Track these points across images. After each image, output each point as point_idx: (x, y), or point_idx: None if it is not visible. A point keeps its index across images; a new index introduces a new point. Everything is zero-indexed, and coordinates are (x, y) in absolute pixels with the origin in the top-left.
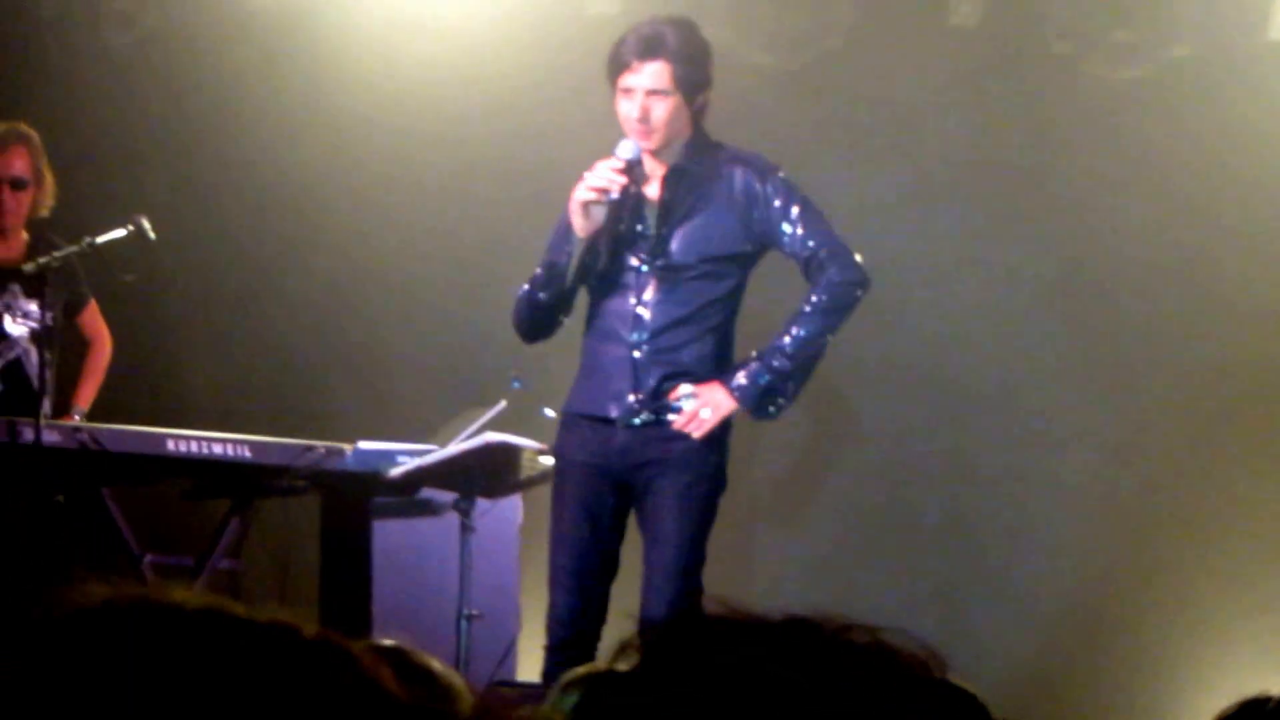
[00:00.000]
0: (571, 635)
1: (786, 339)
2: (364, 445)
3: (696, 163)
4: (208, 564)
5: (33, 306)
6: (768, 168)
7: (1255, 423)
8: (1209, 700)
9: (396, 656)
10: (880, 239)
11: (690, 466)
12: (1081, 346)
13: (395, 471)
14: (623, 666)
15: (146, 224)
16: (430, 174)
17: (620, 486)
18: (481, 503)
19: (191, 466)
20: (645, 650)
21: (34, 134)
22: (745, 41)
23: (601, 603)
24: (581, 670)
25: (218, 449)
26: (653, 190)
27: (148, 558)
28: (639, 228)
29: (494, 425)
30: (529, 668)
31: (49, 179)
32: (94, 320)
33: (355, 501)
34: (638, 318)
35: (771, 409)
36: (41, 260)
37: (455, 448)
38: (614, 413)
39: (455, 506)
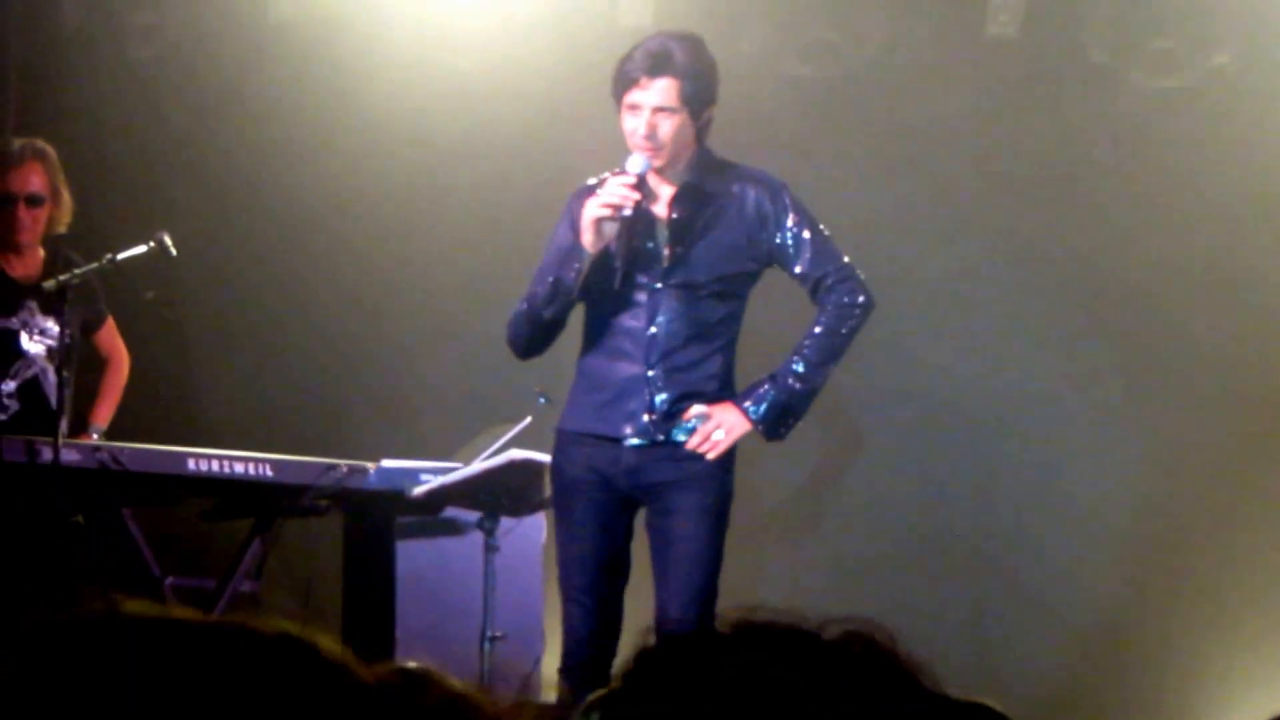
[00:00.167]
0: (591, 654)
1: (799, 360)
2: (387, 464)
3: (707, 181)
4: (229, 586)
5: (50, 324)
6: (778, 185)
7: None
8: (1238, 715)
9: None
10: (914, 249)
11: (710, 487)
12: (1114, 360)
13: (419, 490)
14: (636, 681)
15: (168, 240)
16: (457, 188)
17: (627, 502)
18: (505, 521)
19: (212, 486)
20: (658, 663)
21: (50, 149)
22: (781, 52)
23: (619, 618)
24: (603, 690)
25: (239, 468)
26: (660, 208)
27: (168, 580)
28: (649, 245)
29: (518, 442)
30: (555, 690)
31: (66, 195)
32: (111, 338)
33: (378, 521)
34: (651, 337)
35: (782, 430)
36: (62, 277)
37: (479, 465)
38: (627, 433)
39: (479, 525)
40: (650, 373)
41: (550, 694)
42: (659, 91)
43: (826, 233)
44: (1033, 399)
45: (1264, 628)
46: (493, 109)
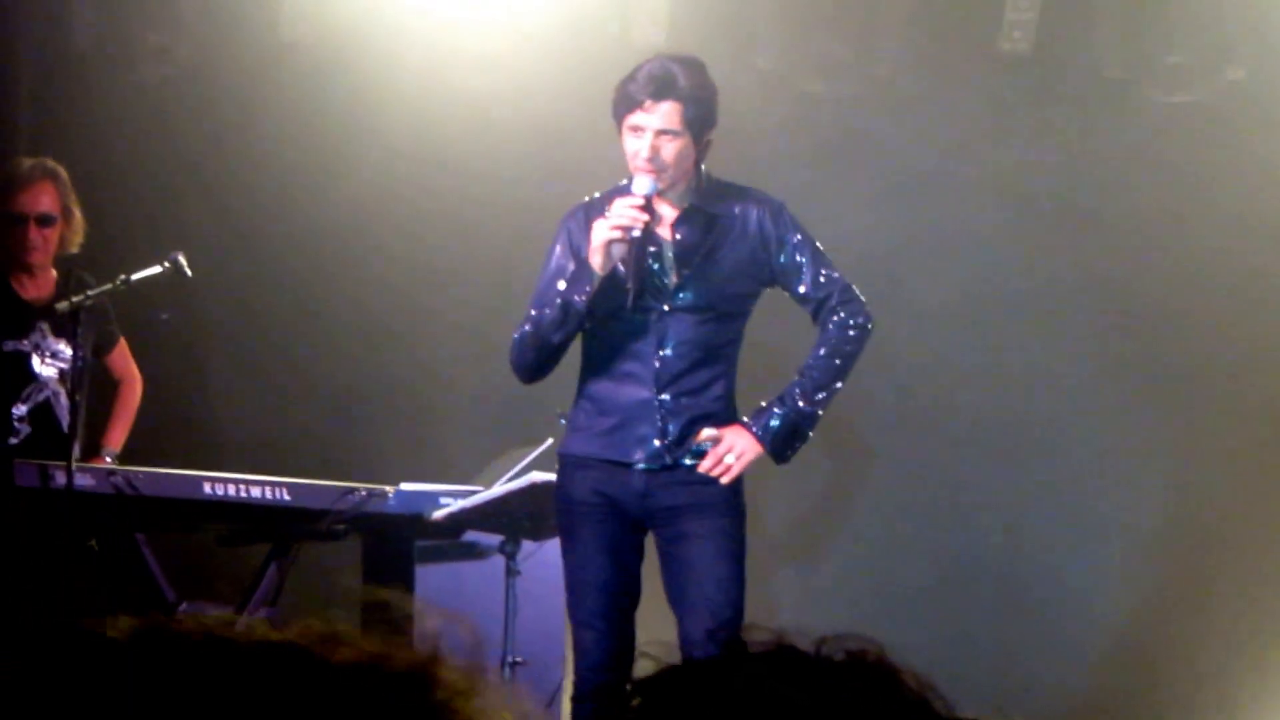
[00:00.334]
0: (605, 680)
1: (805, 382)
2: (406, 487)
3: (709, 203)
4: (245, 612)
5: (62, 346)
6: (778, 205)
7: None
8: None
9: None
10: (930, 265)
11: (724, 510)
12: (1131, 378)
13: (439, 514)
14: (663, 702)
15: (183, 261)
16: (472, 207)
17: (637, 525)
18: (527, 545)
19: (228, 510)
20: (690, 684)
21: (61, 169)
22: (796, 69)
23: (632, 642)
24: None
25: (255, 492)
26: (663, 231)
27: (183, 606)
28: (655, 268)
29: (539, 464)
30: None
31: (78, 215)
32: (123, 359)
33: (398, 545)
34: (661, 360)
35: (789, 452)
36: (75, 299)
37: (500, 488)
38: (638, 458)
39: (500, 549)
40: (661, 397)
41: None
42: (663, 115)
43: (824, 251)
44: (1057, 418)
45: None
46: (507, 128)
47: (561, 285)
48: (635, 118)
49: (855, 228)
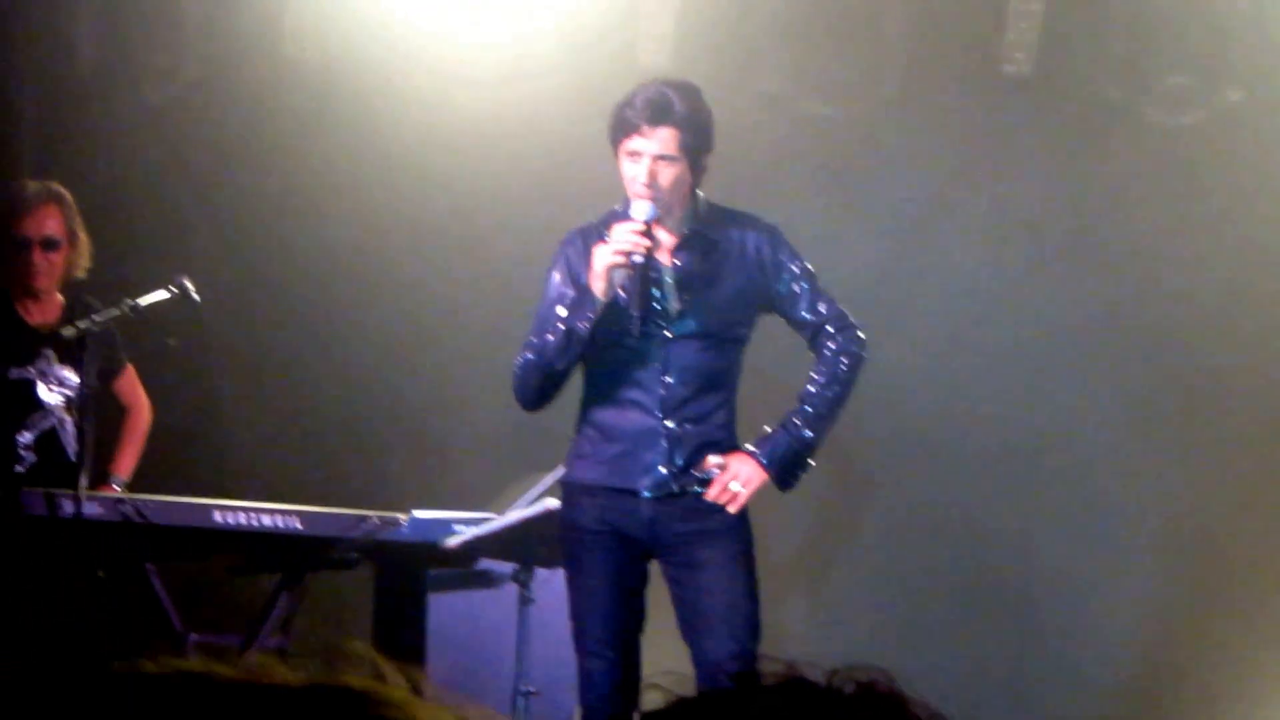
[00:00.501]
0: (614, 710)
1: (806, 409)
2: (419, 514)
3: (708, 228)
4: (255, 643)
5: (68, 373)
6: (774, 230)
7: None
8: None
9: None
10: (934, 286)
11: (736, 537)
12: (1139, 396)
13: (452, 541)
14: None
15: (190, 285)
16: (479, 228)
17: (643, 552)
18: (541, 572)
19: (239, 539)
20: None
21: (66, 193)
22: (799, 90)
23: (639, 670)
24: None
25: (267, 520)
26: (662, 256)
27: (192, 637)
28: (656, 294)
29: (554, 491)
30: None
31: (83, 239)
32: (131, 386)
33: (410, 574)
34: (666, 387)
35: (792, 480)
36: (81, 324)
37: (514, 515)
38: (645, 486)
39: (514, 577)
40: (667, 423)
41: None
42: (660, 140)
43: (819, 277)
44: (1064, 439)
45: None
46: (513, 147)
47: (562, 311)
48: (632, 143)
49: (857, 248)
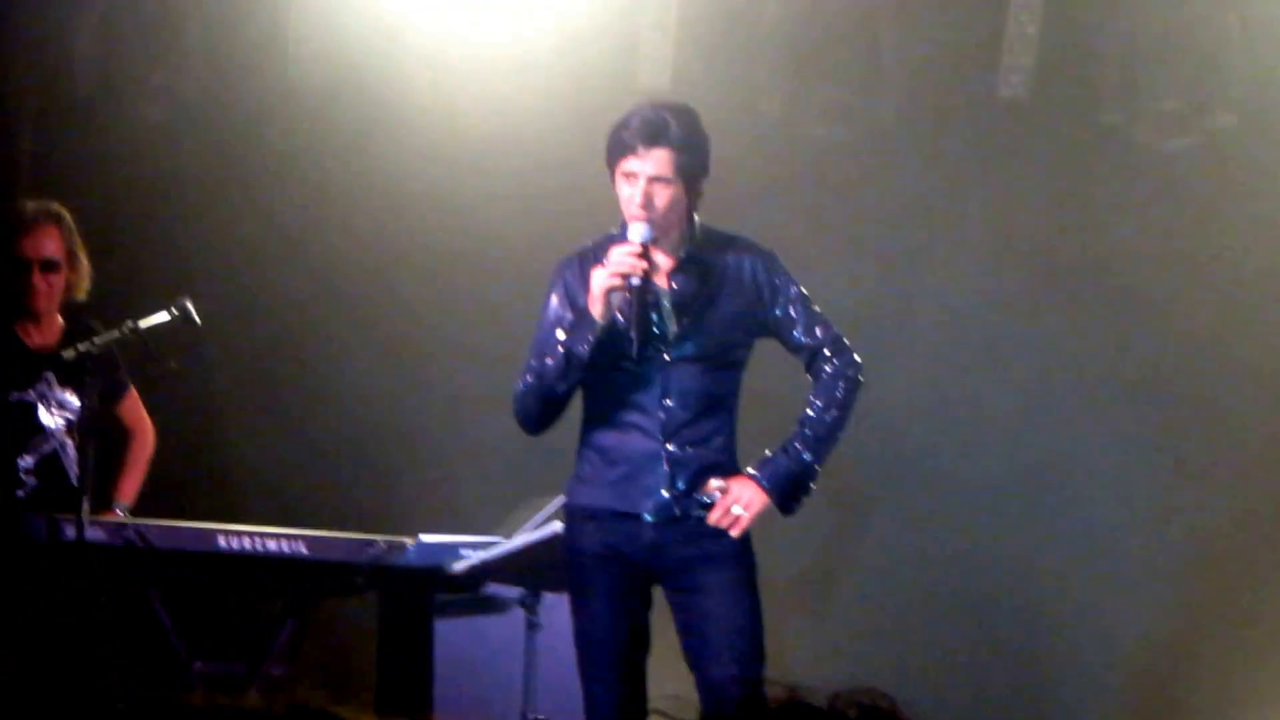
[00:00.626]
0: None
1: (806, 433)
2: (425, 539)
3: (704, 252)
4: (260, 670)
5: (69, 396)
6: (769, 254)
7: None
8: None
9: None
10: (931, 306)
11: (739, 561)
12: (1135, 422)
13: (458, 566)
14: None
15: (191, 306)
16: (482, 249)
17: (646, 576)
18: (548, 597)
19: (244, 564)
20: None
21: (66, 213)
22: (799, 114)
23: (645, 694)
24: None
25: (272, 545)
26: (659, 280)
27: (196, 664)
28: (654, 317)
29: (561, 515)
30: None
31: (84, 260)
32: (134, 409)
33: (416, 599)
34: (666, 410)
35: (794, 504)
36: (81, 347)
37: (521, 539)
38: (647, 509)
39: (521, 602)
40: (668, 447)
41: None
42: (655, 161)
43: (814, 301)
44: (1065, 459)
45: None
46: (515, 170)
47: (562, 335)
48: (628, 164)
49: (854, 271)
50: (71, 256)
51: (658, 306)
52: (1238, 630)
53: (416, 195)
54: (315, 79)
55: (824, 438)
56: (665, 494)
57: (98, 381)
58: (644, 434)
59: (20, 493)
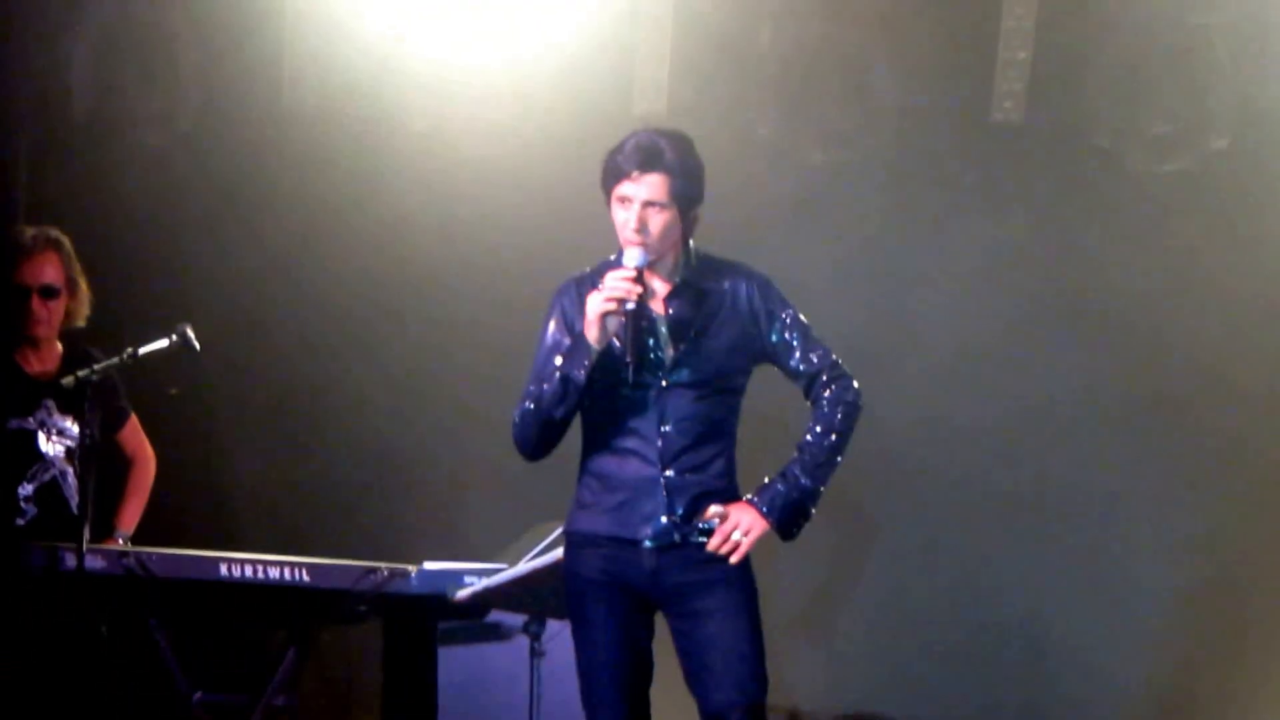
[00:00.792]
0: None
1: (805, 459)
2: (429, 566)
3: (699, 278)
4: (262, 700)
5: (69, 423)
6: (765, 280)
7: None
8: None
9: None
10: (926, 333)
11: (740, 587)
12: (1135, 440)
13: (462, 593)
14: None
15: (191, 333)
16: (481, 279)
17: (647, 603)
18: (553, 624)
19: (246, 592)
20: None
21: (65, 239)
22: (794, 140)
23: (648, 719)
24: None
25: (274, 573)
26: (655, 305)
27: (197, 695)
28: (650, 343)
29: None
30: None
31: (83, 286)
32: (135, 437)
33: (420, 627)
34: (664, 436)
35: (794, 530)
36: (80, 374)
37: (525, 566)
38: (646, 536)
39: (525, 629)
40: (666, 473)
41: None
42: (649, 186)
43: (811, 326)
44: (1067, 482)
45: None
46: (511, 195)
47: (559, 360)
48: (623, 188)
49: (850, 294)
50: (71, 283)
51: (653, 332)
52: (1243, 650)
53: (415, 221)
54: (311, 106)
55: (823, 463)
56: (664, 520)
57: (97, 409)
58: (642, 460)
59: (20, 521)
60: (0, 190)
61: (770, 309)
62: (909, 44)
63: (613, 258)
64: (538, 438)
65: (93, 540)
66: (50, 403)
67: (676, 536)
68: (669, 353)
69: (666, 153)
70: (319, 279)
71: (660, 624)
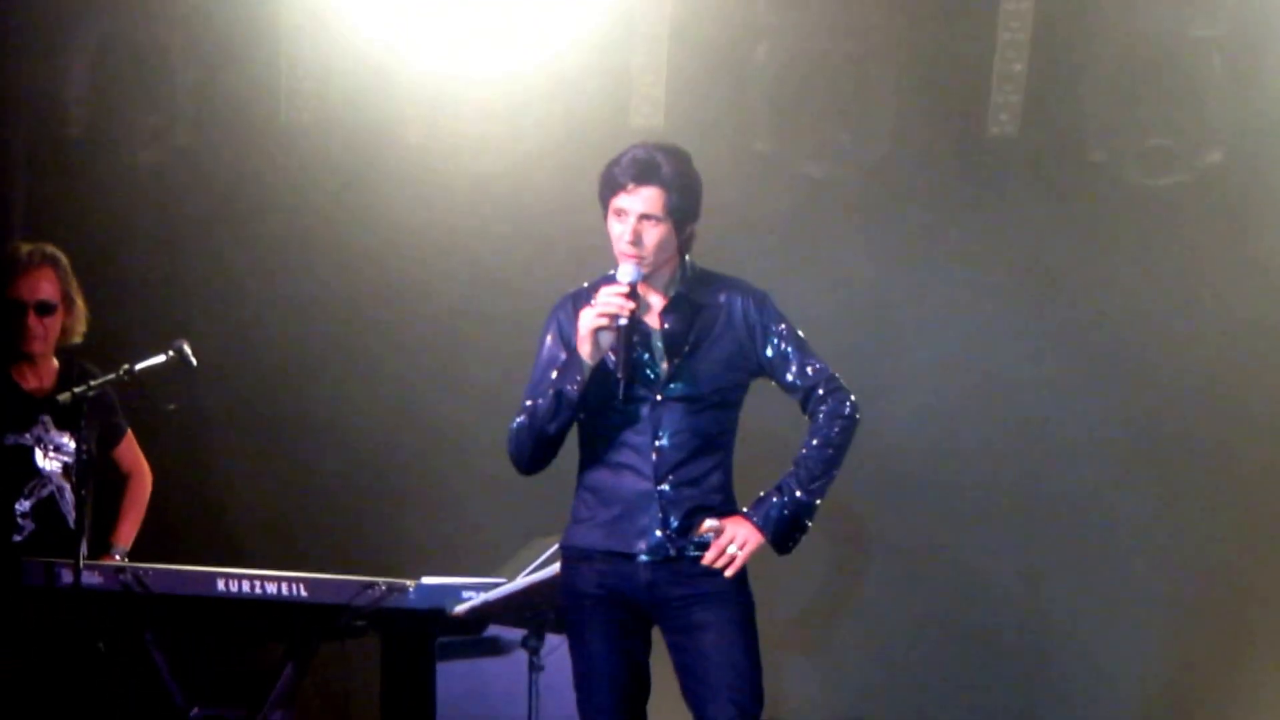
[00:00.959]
0: None
1: (801, 472)
2: (427, 580)
3: (695, 292)
4: (260, 716)
5: (65, 439)
6: (761, 295)
7: None
8: None
9: None
10: (922, 345)
11: (737, 599)
12: (1130, 450)
13: (460, 608)
14: None
15: (188, 349)
16: (477, 289)
17: (643, 616)
18: (551, 638)
19: (243, 608)
20: None
21: (62, 255)
22: (791, 153)
23: None
24: None
25: (271, 588)
26: (651, 320)
27: (194, 711)
28: (645, 357)
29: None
30: None
31: (80, 302)
32: (131, 452)
33: (418, 642)
34: (659, 451)
35: (790, 544)
36: (76, 390)
37: (524, 580)
38: (640, 549)
39: (524, 644)
40: (661, 487)
41: None
42: (644, 199)
43: (807, 340)
44: (1065, 489)
45: None
46: (508, 210)
47: (554, 375)
48: (618, 201)
49: (846, 307)
50: (67, 299)
51: (648, 346)
52: (1243, 654)
53: (412, 236)
54: (308, 120)
55: (819, 476)
56: (659, 534)
57: (94, 425)
58: (637, 474)
59: (17, 536)
60: None
61: (766, 324)
62: (904, 58)
63: (612, 272)
64: (532, 452)
65: (90, 556)
66: (47, 419)
67: (672, 550)
68: (664, 367)
69: (663, 166)
70: (316, 294)
71: (657, 638)
